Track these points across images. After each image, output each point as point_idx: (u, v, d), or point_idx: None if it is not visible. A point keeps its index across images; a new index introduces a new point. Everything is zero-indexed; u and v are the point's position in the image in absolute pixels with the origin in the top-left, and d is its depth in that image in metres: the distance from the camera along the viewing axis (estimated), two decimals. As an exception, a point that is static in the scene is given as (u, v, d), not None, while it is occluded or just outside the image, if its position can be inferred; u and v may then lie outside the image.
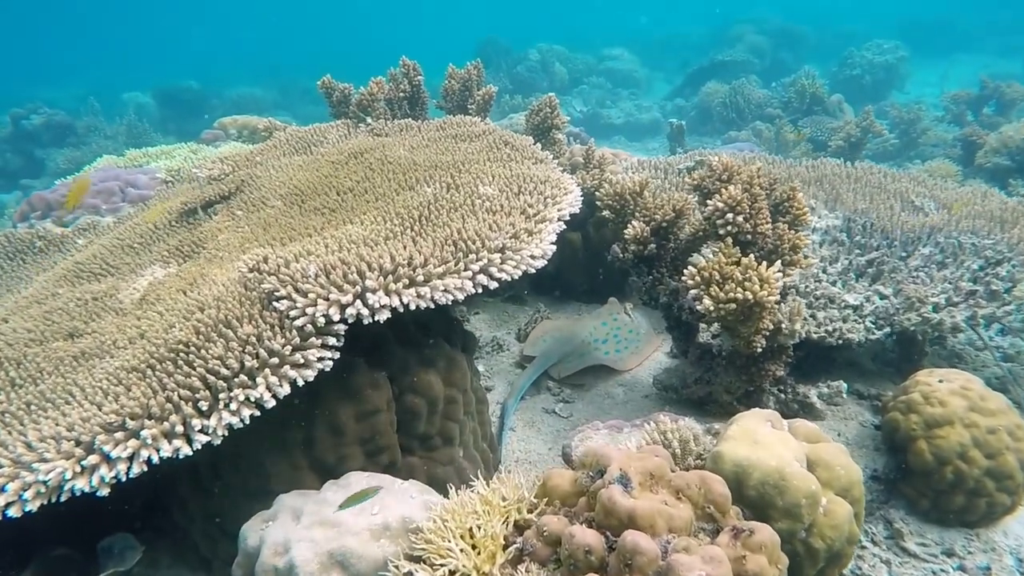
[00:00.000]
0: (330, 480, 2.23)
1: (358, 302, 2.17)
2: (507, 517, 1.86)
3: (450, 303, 2.25)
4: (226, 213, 3.57)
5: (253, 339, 2.14)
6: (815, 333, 3.08)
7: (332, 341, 2.19)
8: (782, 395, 3.10)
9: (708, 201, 2.88)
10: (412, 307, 2.20)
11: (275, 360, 2.10)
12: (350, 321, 2.19)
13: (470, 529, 1.80)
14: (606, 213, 3.55)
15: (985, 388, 2.79)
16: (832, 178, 4.49)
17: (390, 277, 2.21)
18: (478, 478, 1.99)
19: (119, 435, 1.95)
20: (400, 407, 2.56)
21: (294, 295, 2.22)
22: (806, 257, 2.89)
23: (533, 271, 2.47)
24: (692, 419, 2.60)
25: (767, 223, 2.83)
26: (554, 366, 3.97)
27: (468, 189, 2.93)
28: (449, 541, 1.75)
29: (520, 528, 1.86)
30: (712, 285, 2.65)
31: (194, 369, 2.09)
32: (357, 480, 2.18)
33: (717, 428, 2.47)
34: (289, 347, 2.13)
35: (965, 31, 21.04)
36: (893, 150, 9.18)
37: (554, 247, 2.59)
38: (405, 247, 2.41)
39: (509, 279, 2.36)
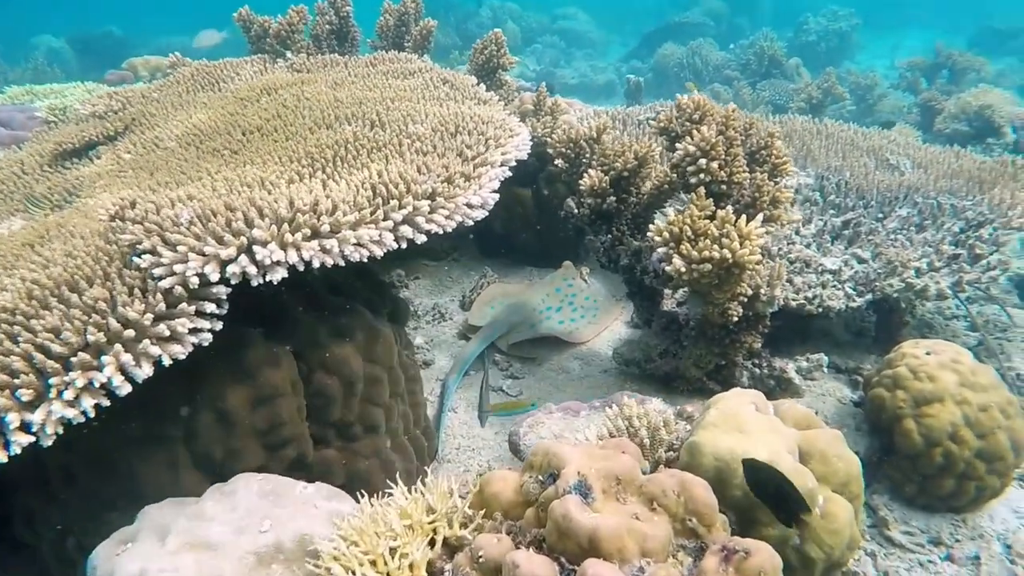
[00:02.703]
0: (214, 485, 1.76)
1: (243, 257, 1.68)
2: (434, 535, 1.44)
3: (365, 260, 1.78)
4: (110, 156, 2.99)
5: (102, 305, 1.64)
6: (793, 300, 2.73)
7: (211, 308, 1.71)
8: (757, 370, 2.75)
9: (677, 145, 2.46)
10: (316, 264, 1.73)
11: (130, 333, 1.60)
12: (234, 282, 1.70)
13: (385, 553, 1.38)
14: (558, 162, 3.11)
15: (975, 361, 2.51)
16: (802, 133, 4.16)
17: (286, 226, 1.72)
18: (408, 473, 1.56)
19: (-98, 436, 1.43)
20: (310, 389, 2.09)
21: (160, 248, 1.71)
22: (788, 212, 2.52)
23: (471, 223, 2.01)
24: (660, 400, 2.22)
25: (743, 172, 2.44)
26: (502, 337, 3.56)
27: (396, 127, 2.45)
28: (354, 573, 1.32)
29: (451, 548, 1.44)
30: (683, 242, 2.25)
31: (16, 345, 1.57)
32: (247, 484, 1.71)
33: (690, 411, 2.10)
34: (150, 316, 1.63)
35: (914, 8, 21.13)
36: (850, 116, 8.97)
37: (496, 195, 2.14)
38: (311, 191, 1.92)
39: (440, 231, 1.91)
